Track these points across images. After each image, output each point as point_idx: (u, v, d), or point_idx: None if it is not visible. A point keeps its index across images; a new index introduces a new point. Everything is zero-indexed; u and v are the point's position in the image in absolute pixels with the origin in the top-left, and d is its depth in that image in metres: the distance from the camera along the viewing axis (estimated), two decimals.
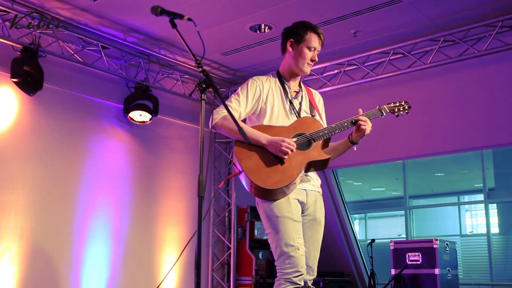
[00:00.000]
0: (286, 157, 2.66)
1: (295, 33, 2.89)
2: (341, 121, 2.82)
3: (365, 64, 6.28)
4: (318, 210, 2.86)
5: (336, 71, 6.54)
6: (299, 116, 2.89)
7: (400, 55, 6.04)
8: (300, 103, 2.95)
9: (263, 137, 2.70)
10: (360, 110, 2.86)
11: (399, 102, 3.03)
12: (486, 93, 5.86)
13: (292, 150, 2.66)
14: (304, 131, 2.77)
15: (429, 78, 6.10)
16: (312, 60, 2.90)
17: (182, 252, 5.59)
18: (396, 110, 3.02)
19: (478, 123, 5.90)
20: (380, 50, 6.03)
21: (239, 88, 2.90)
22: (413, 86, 6.21)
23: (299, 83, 3.03)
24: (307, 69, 2.92)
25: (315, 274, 2.85)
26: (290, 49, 2.92)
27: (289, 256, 2.62)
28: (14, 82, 5.21)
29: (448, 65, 5.77)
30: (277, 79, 2.96)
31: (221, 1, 5.22)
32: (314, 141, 2.75)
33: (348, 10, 5.34)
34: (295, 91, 2.97)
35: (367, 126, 2.81)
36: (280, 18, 5.50)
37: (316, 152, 2.74)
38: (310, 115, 2.94)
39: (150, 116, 6.31)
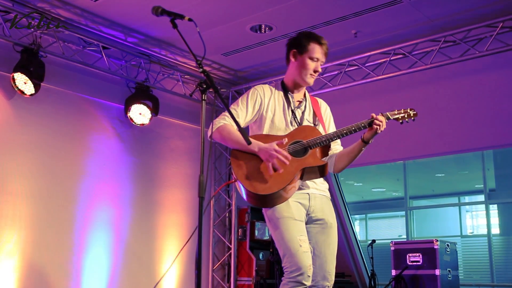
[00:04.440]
0: (276, 165, 2.60)
1: (298, 43, 2.87)
2: (349, 125, 2.74)
3: (366, 65, 6.27)
4: (328, 213, 2.86)
5: (336, 71, 6.53)
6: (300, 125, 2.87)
7: (401, 56, 6.03)
8: (303, 113, 2.93)
9: (256, 145, 2.69)
10: (373, 115, 2.76)
11: (404, 110, 2.88)
12: (487, 94, 5.86)
13: (279, 158, 2.60)
14: (301, 139, 2.75)
15: (429, 79, 6.09)
16: (315, 71, 2.87)
17: (180, 250, 5.60)
18: (399, 118, 2.86)
19: (479, 123, 5.90)
20: (380, 51, 6.02)
21: (240, 97, 2.91)
22: (413, 87, 6.21)
23: (304, 93, 3.01)
24: (310, 80, 2.89)
25: (333, 279, 2.80)
26: (293, 59, 2.90)
27: (291, 255, 2.63)
28: (35, 83, 5.22)
29: (448, 65, 5.76)
30: (281, 89, 2.94)
31: (222, 1, 5.22)
32: (311, 149, 2.73)
33: (348, 10, 5.34)
34: (298, 101, 2.96)
35: (382, 125, 2.73)
36: (281, 19, 5.50)
37: (311, 159, 2.71)
38: (312, 125, 2.91)
39: (150, 117, 6.31)
